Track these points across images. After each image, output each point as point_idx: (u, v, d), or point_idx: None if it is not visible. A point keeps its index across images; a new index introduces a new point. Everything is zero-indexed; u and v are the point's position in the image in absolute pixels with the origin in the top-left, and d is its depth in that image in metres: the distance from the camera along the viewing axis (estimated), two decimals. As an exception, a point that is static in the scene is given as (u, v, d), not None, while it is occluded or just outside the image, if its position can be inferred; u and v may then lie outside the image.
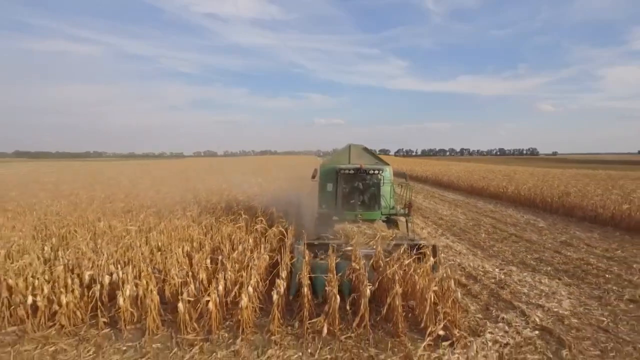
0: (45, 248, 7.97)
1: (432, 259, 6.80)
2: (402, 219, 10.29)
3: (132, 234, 8.65)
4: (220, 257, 7.31)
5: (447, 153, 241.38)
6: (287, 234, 8.72)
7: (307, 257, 6.95)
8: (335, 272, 6.29)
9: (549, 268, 9.01)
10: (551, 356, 5.16)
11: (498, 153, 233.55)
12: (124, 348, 5.39)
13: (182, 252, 7.64)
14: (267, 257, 7.48)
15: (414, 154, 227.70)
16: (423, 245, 7.50)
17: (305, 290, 5.94)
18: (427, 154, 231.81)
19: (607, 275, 8.39)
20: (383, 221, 9.96)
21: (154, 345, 5.45)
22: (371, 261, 6.95)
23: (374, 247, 7.38)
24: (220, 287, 6.02)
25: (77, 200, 15.45)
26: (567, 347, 5.33)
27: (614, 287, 7.70)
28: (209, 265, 7.07)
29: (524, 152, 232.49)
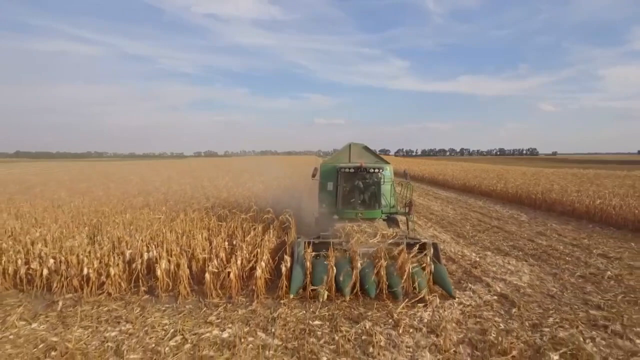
0: (83, 234, 9.32)
1: (432, 256, 7.26)
2: (403, 217, 10.50)
3: (158, 223, 10.00)
4: (235, 241, 8.66)
5: (447, 153, 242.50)
6: (291, 220, 10.01)
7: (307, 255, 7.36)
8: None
9: (520, 253, 10.34)
10: (503, 313, 6.49)
11: (498, 153, 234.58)
12: (163, 308, 6.74)
13: (202, 237, 8.98)
14: (275, 240, 8.82)
15: (414, 154, 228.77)
16: (423, 243, 7.83)
17: (308, 264, 7.26)
18: (427, 154, 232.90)
19: (567, 258, 9.72)
20: (383, 220, 10.06)
21: (186, 307, 6.80)
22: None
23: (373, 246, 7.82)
24: (239, 262, 7.39)
25: (96, 196, 16.83)
26: (517, 307, 6.67)
27: (570, 267, 9.03)
28: (227, 247, 8.41)
29: (524, 152, 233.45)
